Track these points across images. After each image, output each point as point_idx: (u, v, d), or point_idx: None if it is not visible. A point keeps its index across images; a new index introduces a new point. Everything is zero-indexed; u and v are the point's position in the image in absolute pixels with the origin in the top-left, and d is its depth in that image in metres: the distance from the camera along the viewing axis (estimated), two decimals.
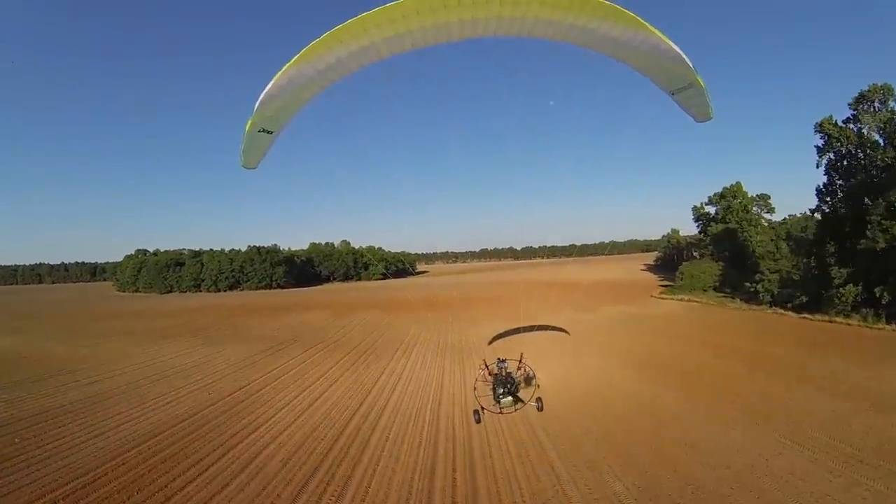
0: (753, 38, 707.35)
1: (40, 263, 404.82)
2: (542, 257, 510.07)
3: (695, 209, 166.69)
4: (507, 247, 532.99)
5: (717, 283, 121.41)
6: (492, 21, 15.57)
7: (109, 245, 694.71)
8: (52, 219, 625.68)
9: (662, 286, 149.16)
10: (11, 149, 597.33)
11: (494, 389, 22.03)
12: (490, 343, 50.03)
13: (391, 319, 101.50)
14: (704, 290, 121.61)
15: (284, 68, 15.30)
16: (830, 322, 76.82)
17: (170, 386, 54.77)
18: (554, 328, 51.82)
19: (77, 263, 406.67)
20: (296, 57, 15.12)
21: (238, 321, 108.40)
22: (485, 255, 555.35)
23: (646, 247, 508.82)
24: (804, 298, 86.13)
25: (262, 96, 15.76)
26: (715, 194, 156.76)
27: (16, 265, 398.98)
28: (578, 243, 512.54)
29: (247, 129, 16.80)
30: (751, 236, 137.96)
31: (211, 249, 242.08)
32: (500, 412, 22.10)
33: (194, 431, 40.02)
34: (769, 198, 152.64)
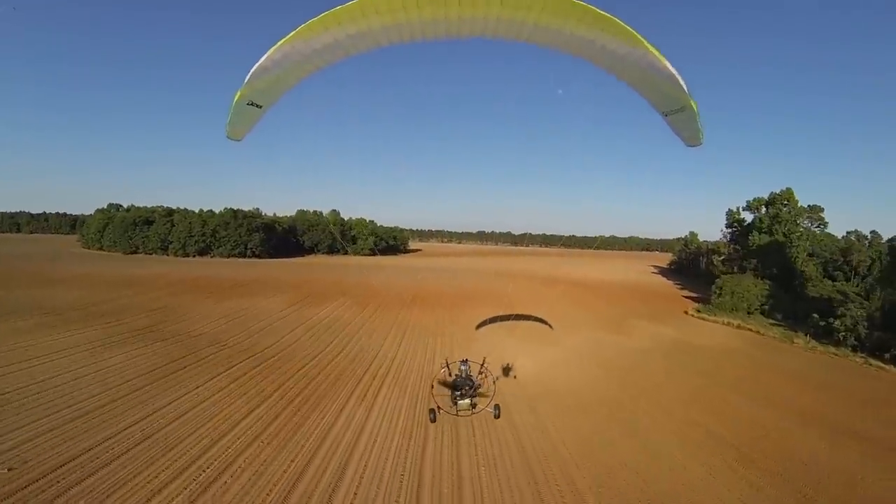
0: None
1: (21, 212, 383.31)
2: (540, 245, 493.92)
3: (729, 213, 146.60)
4: (506, 231, 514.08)
5: (767, 307, 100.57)
6: (490, 21, 15.43)
7: (94, 197, 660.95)
8: (36, 166, 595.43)
9: (688, 297, 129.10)
10: None
11: (453, 391, 21.39)
12: (478, 328, 44.45)
13: (365, 318, 79.94)
14: (749, 313, 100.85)
15: (279, 44, 15.16)
16: None
17: None
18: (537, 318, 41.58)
19: (58, 214, 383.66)
20: (292, 33, 14.98)
21: (177, 303, 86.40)
22: (481, 237, 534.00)
23: (646, 245, 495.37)
24: None
25: (253, 69, 15.56)
26: (755, 199, 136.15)
27: None
28: (578, 234, 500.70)
29: (235, 99, 16.48)
30: (798, 254, 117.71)
31: (185, 209, 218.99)
32: (457, 414, 21.44)
33: None
34: (822, 210, 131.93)
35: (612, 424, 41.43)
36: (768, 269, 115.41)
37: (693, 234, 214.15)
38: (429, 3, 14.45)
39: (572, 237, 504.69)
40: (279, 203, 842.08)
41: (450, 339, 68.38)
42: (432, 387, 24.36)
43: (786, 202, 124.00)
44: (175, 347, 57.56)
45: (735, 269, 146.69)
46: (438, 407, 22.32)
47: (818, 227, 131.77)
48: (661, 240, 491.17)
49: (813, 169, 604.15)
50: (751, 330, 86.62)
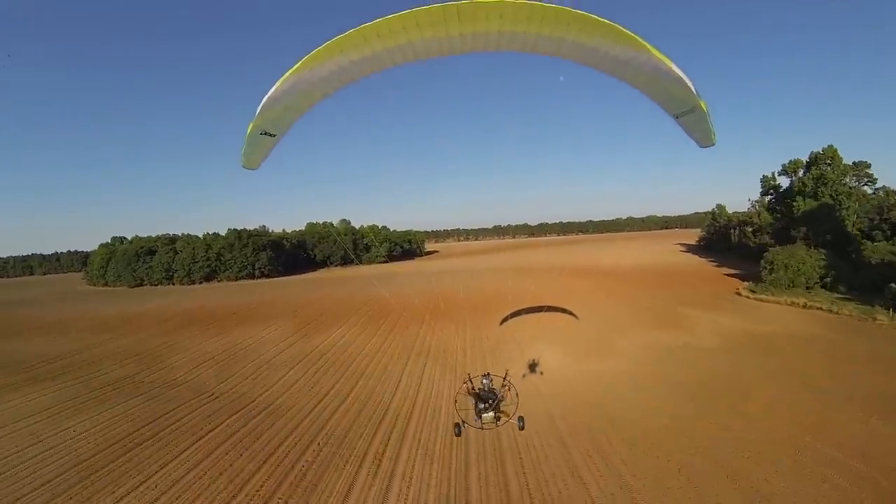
0: None
1: (33, 254, 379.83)
2: (557, 234, 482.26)
3: (764, 180, 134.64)
4: (522, 223, 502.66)
5: (829, 280, 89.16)
6: (493, 36, 15.35)
7: (105, 231, 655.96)
8: (45, 206, 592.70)
9: (730, 275, 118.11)
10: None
11: (476, 404, 21.09)
12: (502, 323, 43.53)
13: (378, 343, 69.70)
14: (808, 288, 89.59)
15: (286, 75, 15.36)
16: None
17: None
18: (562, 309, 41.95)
19: (69, 252, 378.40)
20: (298, 64, 15.05)
21: (167, 342, 77.10)
22: (498, 231, 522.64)
23: (665, 223, 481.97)
24: None
25: (263, 101, 15.90)
26: (791, 162, 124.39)
27: (8, 256, 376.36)
28: (595, 219, 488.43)
29: (248, 131, 16.81)
30: (849, 216, 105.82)
31: (188, 234, 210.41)
32: (482, 427, 21.00)
33: None
34: (868, 166, 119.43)
35: (695, 458, 31.36)
36: (820, 236, 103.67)
37: (721, 207, 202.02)
38: (429, 24, 14.39)
39: (590, 222, 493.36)
40: (288, 218, 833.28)
41: (479, 357, 58.47)
42: (455, 401, 24.14)
43: (829, 161, 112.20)
44: (151, 405, 48.06)
45: (775, 239, 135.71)
46: (463, 421, 21.64)
47: (865, 184, 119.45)
48: (678, 216, 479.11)
49: (832, 128, 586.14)
50: (821, 308, 75.15)
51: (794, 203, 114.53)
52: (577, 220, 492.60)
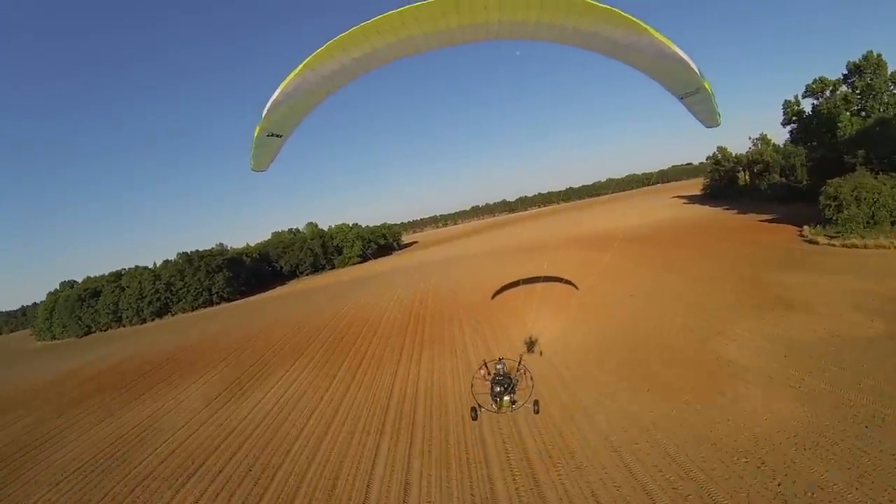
0: None
1: None
2: (538, 206, 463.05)
3: (787, 105, 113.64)
4: (500, 200, 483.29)
5: None
6: (493, 26, 15.27)
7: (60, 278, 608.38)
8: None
9: (766, 222, 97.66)
10: None
11: (492, 389, 21.22)
12: (493, 297, 43.45)
13: (333, 402, 45.03)
14: (894, 223, 68.90)
15: (289, 77, 15.15)
16: None
17: None
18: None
19: (35, 305, 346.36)
20: (300, 66, 14.93)
21: (49, 432, 53.33)
22: (476, 212, 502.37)
23: (645, 180, 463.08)
24: None
25: (268, 104, 15.62)
26: (816, 81, 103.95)
27: None
28: (575, 185, 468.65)
29: (255, 134, 16.62)
30: None
31: (136, 267, 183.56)
32: (498, 412, 21.16)
33: None
34: None
35: None
36: (884, 158, 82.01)
37: (723, 149, 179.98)
38: (429, 18, 14.30)
39: (570, 189, 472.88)
40: (254, 232, 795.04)
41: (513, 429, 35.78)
42: (472, 386, 23.40)
43: (875, 69, 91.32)
44: None
45: (785, 174, 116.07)
46: (479, 405, 21.16)
47: None
48: (659, 171, 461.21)
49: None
50: None
51: (838, 124, 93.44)
52: (556, 190, 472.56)
